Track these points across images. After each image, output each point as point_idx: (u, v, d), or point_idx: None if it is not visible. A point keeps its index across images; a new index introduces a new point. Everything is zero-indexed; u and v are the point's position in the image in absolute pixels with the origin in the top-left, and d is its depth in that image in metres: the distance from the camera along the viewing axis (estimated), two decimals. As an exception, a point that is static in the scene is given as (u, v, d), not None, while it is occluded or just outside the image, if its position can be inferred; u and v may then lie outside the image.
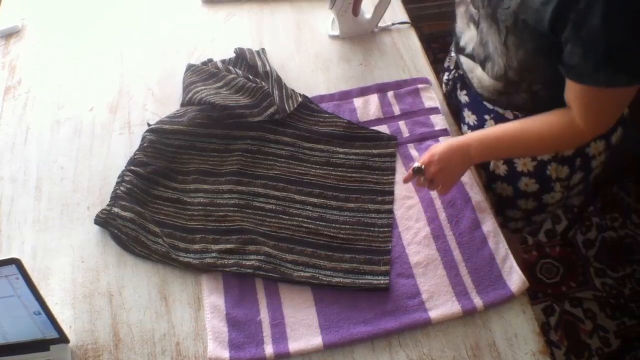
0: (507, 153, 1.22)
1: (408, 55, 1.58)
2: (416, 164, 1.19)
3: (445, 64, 1.52)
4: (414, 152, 1.35)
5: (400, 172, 1.32)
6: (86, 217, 1.27)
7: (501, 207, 1.41)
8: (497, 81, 1.17)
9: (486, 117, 1.30)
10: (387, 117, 1.44)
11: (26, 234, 1.26)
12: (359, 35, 1.63)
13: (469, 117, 1.37)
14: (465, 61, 1.29)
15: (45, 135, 1.44)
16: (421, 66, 1.55)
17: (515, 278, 1.14)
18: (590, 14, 0.87)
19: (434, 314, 1.11)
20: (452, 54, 1.42)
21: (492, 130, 1.17)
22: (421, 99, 1.46)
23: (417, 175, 1.19)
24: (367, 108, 1.45)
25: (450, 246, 1.20)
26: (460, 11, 1.25)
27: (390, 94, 1.48)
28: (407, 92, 1.48)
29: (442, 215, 1.25)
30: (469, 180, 1.28)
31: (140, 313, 1.15)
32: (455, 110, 1.45)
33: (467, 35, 1.25)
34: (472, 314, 1.12)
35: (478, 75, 1.23)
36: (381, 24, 1.63)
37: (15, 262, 0.97)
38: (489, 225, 1.22)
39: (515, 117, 1.23)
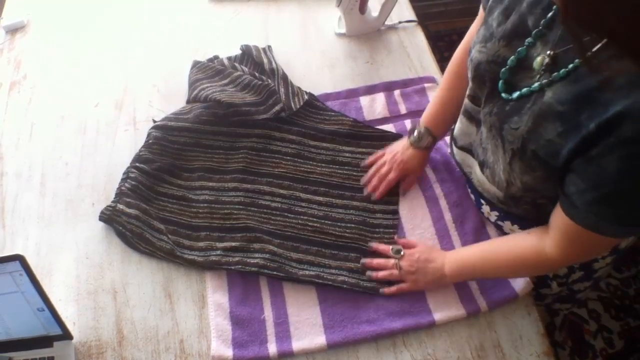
0: (479, 274, 1.11)
1: (415, 53, 1.57)
2: (398, 247, 1.17)
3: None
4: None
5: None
6: (91, 214, 1.27)
7: None
8: (498, 189, 1.06)
9: (482, 201, 1.17)
10: (394, 116, 1.44)
11: (30, 230, 1.26)
12: (366, 33, 1.62)
13: (469, 193, 1.26)
14: (458, 153, 1.19)
15: (50, 131, 1.44)
16: (428, 65, 1.55)
17: (519, 279, 1.13)
18: (607, 156, 0.77)
19: (438, 315, 1.10)
20: None
21: (467, 250, 1.12)
22: (427, 98, 1.45)
23: (394, 255, 1.15)
24: (374, 107, 1.44)
25: (455, 247, 1.20)
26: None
27: (396, 92, 1.47)
28: (414, 90, 1.47)
29: (448, 216, 1.24)
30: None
31: (144, 310, 1.15)
32: None
33: (458, 126, 1.17)
34: (477, 315, 1.12)
35: (477, 174, 1.12)
36: (388, 22, 1.63)
37: (19, 259, 0.97)
38: (494, 225, 1.21)
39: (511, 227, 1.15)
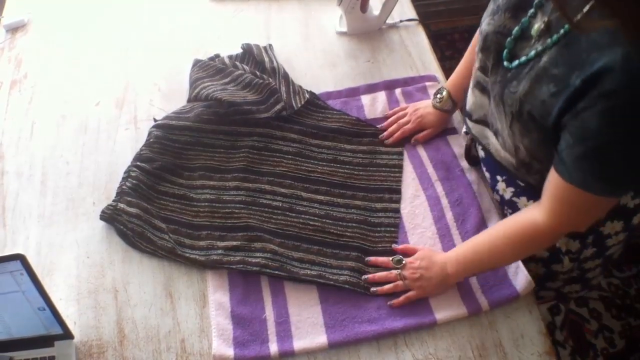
0: (481, 264, 1.10)
1: (416, 52, 1.57)
2: (398, 257, 1.16)
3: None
4: (421, 151, 1.35)
5: (408, 170, 1.32)
6: (91, 213, 1.27)
7: None
8: (510, 155, 1.08)
9: (498, 177, 1.19)
10: (395, 115, 1.43)
11: (31, 229, 1.26)
12: (367, 32, 1.62)
13: (484, 173, 1.27)
14: (473, 126, 1.19)
15: (50, 129, 1.44)
16: (429, 63, 1.55)
17: (521, 278, 1.13)
18: (589, 109, 0.80)
19: (440, 315, 1.10)
20: None
21: (465, 244, 1.12)
22: (429, 97, 1.45)
23: (395, 266, 1.15)
24: (375, 105, 1.44)
25: (456, 246, 1.19)
26: (474, 68, 1.15)
27: (397, 91, 1.47)
28: (415, 89, 1.47)
29: (449, 215, 1.24)
30: (475, 178, 1.28)
31: (146, 309, 1.14)
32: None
33: (471, 100, 1.17)
34: (478, 314, 1.11)
35: (494, 143, 1.13)
36: (389, 21, 1.62)
37: (20, 258, 0.96)
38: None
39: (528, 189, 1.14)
